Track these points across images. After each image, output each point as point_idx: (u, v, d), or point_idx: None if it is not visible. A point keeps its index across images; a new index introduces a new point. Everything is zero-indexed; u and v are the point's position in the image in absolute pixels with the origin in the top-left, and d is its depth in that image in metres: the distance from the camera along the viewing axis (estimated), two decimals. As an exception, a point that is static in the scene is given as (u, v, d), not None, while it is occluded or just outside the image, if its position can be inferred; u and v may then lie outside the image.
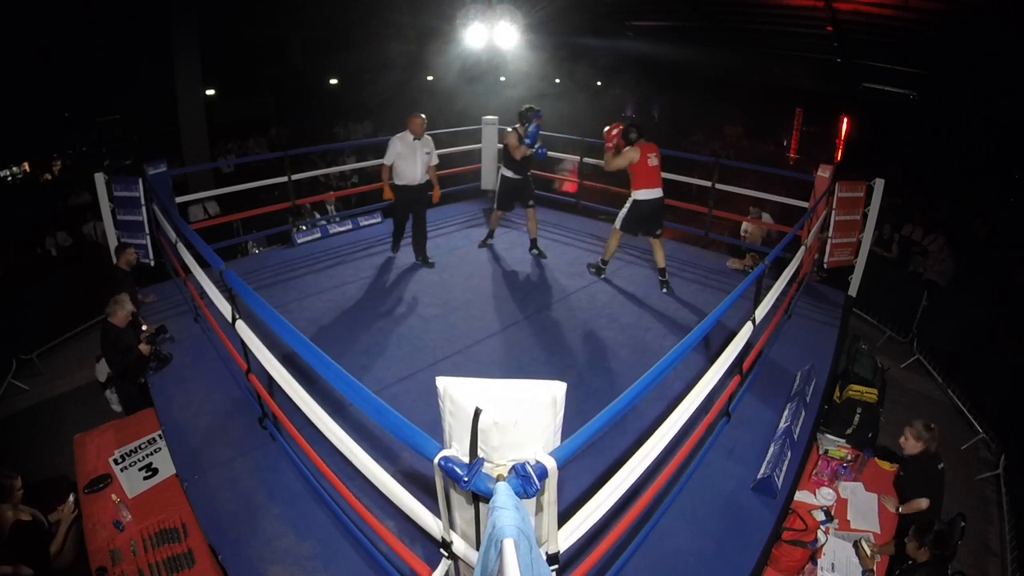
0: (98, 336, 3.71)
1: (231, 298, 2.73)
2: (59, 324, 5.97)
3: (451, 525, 1.57)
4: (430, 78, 14.81)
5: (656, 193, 4.61)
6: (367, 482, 1.88)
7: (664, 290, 4.81)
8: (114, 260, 4.40)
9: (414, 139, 4.82)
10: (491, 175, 6.88)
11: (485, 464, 1.29)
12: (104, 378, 4.34)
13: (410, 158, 4.84)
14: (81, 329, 6.11)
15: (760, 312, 2.93)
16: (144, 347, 3.57)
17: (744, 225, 6.59)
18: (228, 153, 11.72)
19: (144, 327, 3.86)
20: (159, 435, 3.27)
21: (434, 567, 1.68)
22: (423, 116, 4.86)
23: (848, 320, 4.63)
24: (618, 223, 4.74)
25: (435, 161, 5.08)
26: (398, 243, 5.43)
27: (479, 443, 1.28)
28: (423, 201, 5.10)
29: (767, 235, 6.56)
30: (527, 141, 5.01)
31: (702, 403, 2.29)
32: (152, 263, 4.73)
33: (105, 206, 4.55)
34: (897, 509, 3.12)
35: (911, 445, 3.18)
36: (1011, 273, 6.74)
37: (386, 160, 4.88)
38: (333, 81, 15.24)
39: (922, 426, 3.17)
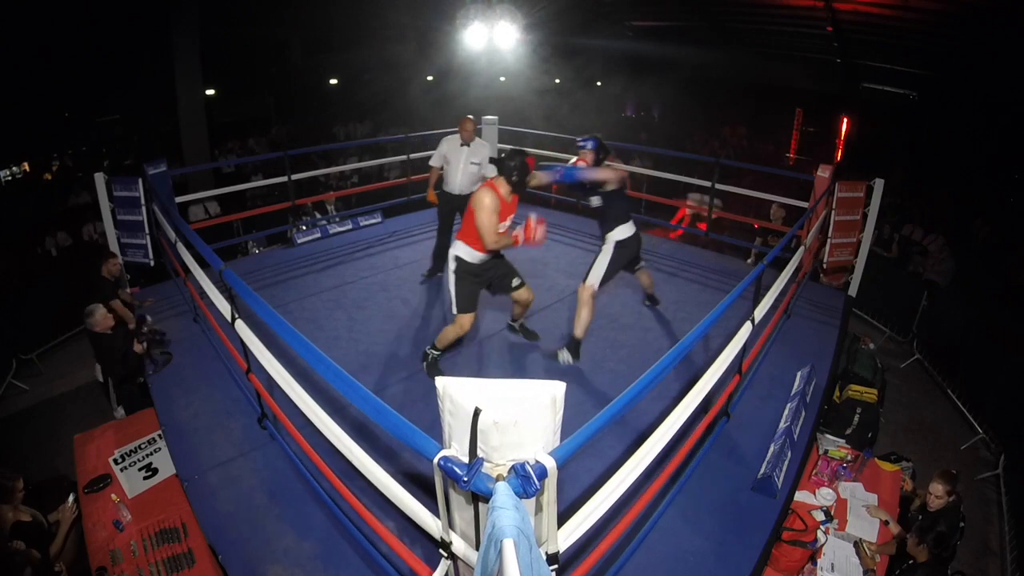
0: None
1: (231, 298, 2.73)
2: (59, 324, 5.97)
3: (451, 525, 1.57)
4: (430, 78, 14.80)
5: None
6: (367, 482, 1.88)
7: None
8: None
9: (461, 144, 4.47)
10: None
11: (485, 464, 1.29)
12: (104, 378, 4.34)
13: (454, 164, 4.50)
14: (81, 329, 6.11)
15: (759, 312, 2.92)
16: (138, 346, 3.57)
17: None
18: (228, 153, 11.72)
19: (130, 323, 3.85)
20: (159, 435, 3.27)
21: (434, 567, 1.68)
22: (471, 118, 4.51)
23: (848, 320, 4.63)
24: None
25: (490, 173, 4.56)
26: (441, 260, 4.73)
27: (479, 443, 1.28)
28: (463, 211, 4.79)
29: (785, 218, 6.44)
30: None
31: (702, 403, 2.29)
32: (152, 263, 4.73)
33: (105, 206, 4.55)
34: (886, 522, 3.10)
35: (938, 502, 2.99)
36: (1011, 273, 6.75)
37: (432, 162, 4.55)
38: (333, 81, 15.24)
39: (945, 478, 2.98)
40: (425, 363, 3.58)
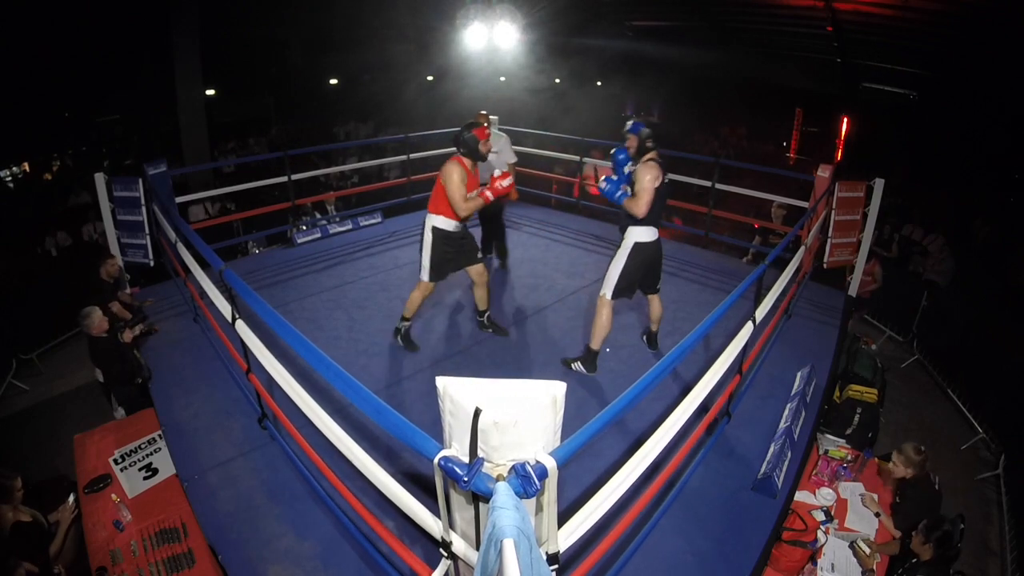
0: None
1: (231, 298, 2.73)
2: (59, 324, 5.97)
3: (451, 525, 1.57)
4: (430, 78, 14.80)
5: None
6: (367, 482, 1.88)
7: None
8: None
9: None
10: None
11: (485, 464, 1.29)
12: (104, 378, 4.34)
13: None
14: (81, 329, 6.11)
15: (760, 312, 2.92)
16: (127, 334, 3.55)
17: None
18: (228, 153, 11.72)
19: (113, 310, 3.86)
20: (159, 435, 3.27)
21: (434, 567, 1.68)
22: (484, 113, 4.75)
23: (848, 320, 4.63)
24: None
25: (511, 159, 4.96)
26: (489, 243, 5.15)
27: (479, 443, 1.28)
28: (498, 204, 4.64)
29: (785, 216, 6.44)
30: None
31: (702, 403, 2.29)
32: (152, 263, 4.73)
33: (105, 206, 4.55)
34: (877, 515, 3.10)
35: (901, 470, 3.07)
36: (1011, 273, 6.75)
37: None
38: (333, 81, 15.23)
39: (912, 450, 3.04)
40: (399, 336, 3.84)
